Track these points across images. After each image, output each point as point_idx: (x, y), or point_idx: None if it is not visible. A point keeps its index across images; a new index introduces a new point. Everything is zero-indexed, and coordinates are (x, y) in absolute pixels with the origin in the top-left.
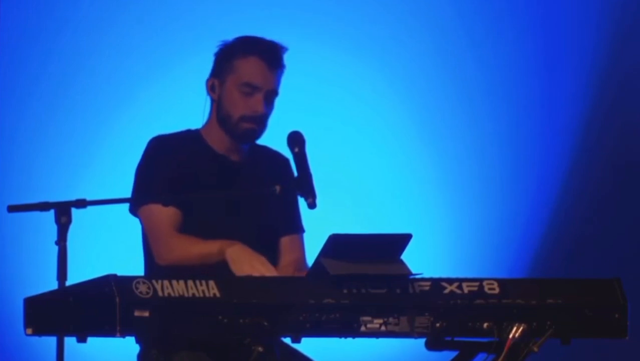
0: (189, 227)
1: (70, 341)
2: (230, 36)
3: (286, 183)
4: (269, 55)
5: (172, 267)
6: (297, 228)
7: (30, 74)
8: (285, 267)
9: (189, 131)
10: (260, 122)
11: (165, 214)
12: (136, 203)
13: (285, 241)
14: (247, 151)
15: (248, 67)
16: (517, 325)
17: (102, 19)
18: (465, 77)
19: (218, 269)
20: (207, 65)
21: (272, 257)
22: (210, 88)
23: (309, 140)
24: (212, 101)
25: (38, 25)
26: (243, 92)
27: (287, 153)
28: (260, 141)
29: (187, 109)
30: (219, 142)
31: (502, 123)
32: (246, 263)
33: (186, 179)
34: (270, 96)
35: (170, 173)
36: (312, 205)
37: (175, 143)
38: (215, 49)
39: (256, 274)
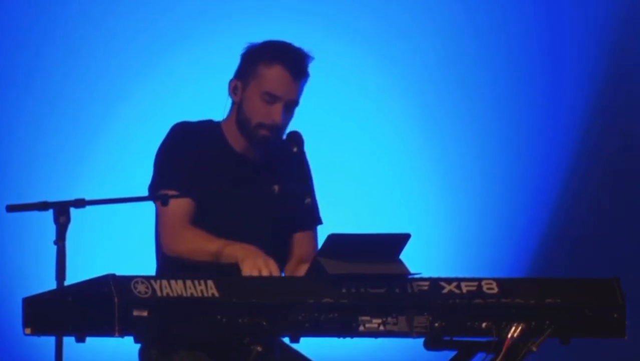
0: (203, 223)
1: (69, 341)
2: (225, 28)
3: (303, 178)
4: (294, 65)
5: (182, 261)
6: (311, 223)
7: (25, 73)
8: (293, 262)
9: (211, 123)
10: (276, 131)
11: (180, 204)
12: (156, 187)
13: (297, 237)
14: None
15: (271, 75)
16: (515, 324)
17: (94, 15)
18: (468, 76)
19: (227, 270)
20: (202, 57)
21: (287, 253)
22: (233, 90)
23: (309, 136)
24: (233, 102)
25: (31, 25)
26: (264, 100)
27: (314, 153)
28: None
29: (184, 103)
30: (236, 141)
31: (503, 122)
32: (251, 261)
33: (205, 172)
34: (291, 105)
35: (192, 163)
36: (310, 205)
37: (199, 134)
38: (241, 50)
39: (256, 273)
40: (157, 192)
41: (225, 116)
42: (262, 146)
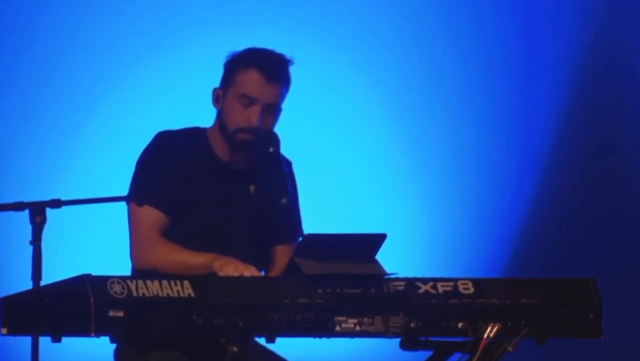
0: (184, 232)
1: (45, 341)
2: (206, 32)
3: (289, 189)
4: (269, 68)
5: (151, 272)
6: (293, 236)
7: (4, 73)
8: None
9: (196, 130)
10: (256, 134)
11: (152, 216)
12: (131, 197)
13: (279, 249)
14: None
15: (246, 79)
16: (491, 324)
17: (75, 16)
18: (443, 78)
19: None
20: (183, 60)
21: (267, 264)
22: (216, 99)
23: (285, 137)
24: (217, 110)
25: (10, 25)
26: (241, 103)
27: (290, 154)
28: None
29: (164, 105)
30: (221, 149)
31: (480, 123)
32: (231, 268)
33: (187, 182)
34: (270, 109)
35: (171, 174)
36: (285, 204)
37: (182, 143)
38: (224, 58)
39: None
40: (130, 202)
41: (213, 123)
42: (244, 150)
